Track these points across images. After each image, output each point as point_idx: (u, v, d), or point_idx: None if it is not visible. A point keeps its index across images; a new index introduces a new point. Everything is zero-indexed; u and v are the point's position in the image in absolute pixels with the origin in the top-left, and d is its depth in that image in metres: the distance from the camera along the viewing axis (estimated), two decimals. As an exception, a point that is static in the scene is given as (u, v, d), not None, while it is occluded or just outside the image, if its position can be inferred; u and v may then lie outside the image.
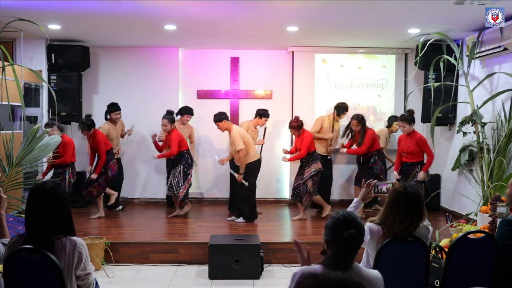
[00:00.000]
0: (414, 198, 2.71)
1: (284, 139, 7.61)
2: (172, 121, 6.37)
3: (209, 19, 5.66)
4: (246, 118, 7.11)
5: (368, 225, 2.78)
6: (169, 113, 6.51)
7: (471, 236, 3.06)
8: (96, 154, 6.32)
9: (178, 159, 6.39)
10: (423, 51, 6.10)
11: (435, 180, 7.14)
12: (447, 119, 6.78)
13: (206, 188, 7.72)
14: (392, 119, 7.07)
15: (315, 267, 2.01)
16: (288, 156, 6.52)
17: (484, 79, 5.79)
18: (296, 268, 4.78)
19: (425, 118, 6.92)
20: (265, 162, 6.90)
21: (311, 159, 6.25)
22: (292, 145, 6.83)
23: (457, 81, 6.19)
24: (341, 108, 6.84)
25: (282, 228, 6.16)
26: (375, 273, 2.16)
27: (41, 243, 2.39)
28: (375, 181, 3.11)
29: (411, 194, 2.71)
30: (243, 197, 6.20)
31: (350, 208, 3.04)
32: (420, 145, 5.83)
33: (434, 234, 4.64)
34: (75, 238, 2.48)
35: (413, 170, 5.84)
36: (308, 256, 2.26)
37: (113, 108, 6.83)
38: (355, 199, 3.11)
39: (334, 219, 2.15)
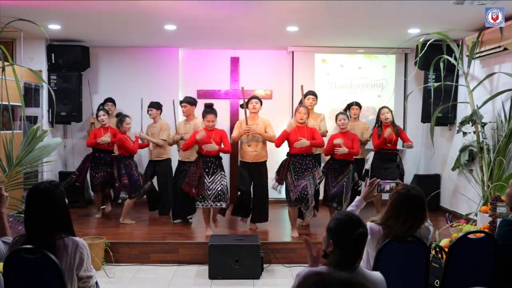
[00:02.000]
0: (417, 201, 2.71)
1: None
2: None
3: (209, 19, 5.66)
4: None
5: (369, 225, 2.78)
6: (210, 106, 5.80)
7: (471, 236, 3.06)
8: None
9: (219, 163, 5.62)
10: (423, 51, 6.10)
11: (435, 180, 7.15)
12: (447, 119, 6.78)
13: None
14: (350, 105, 6.77)
15: (320, 267, 2.01)
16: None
17: (484, 79, 5.79)
18: (299, 269, 4.76)
19: (425, 118, 6.92)
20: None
21: (315, 160, 5.77)
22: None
23: (457, 81, 6.19)
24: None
25: (282, 228, 6.15)
26: (378, 275, 2.16)
27: (42, 243, 2.39)
28: (378, 180, 3.10)
29: (414, 197, 2.71)
30: (265, 199, 5.90)
31: (351, 207, 3.04)
32: (354, 141, 5.77)
33: (434, 234, 4.64)
34: (77, 238, 2.49)
35: (347, 168, 5.80)
36: (318, 254, 2.22)
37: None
38: (357, 198, 3.10)
39: (339, 220, 2.15)
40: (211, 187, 5.44)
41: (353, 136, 5.84)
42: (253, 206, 5.87)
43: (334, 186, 5.74)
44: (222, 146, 5.53)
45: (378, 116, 6.22)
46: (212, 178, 5.48)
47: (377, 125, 6.23)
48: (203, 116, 5.60)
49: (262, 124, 5.79)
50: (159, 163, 6.45)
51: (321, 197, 6.14)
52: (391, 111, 6.17)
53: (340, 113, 6.02)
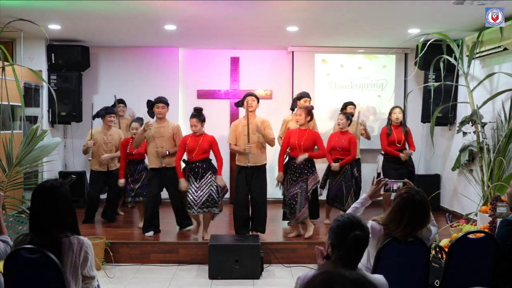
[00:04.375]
0: (420, 207, 2.69)
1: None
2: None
3: (209, 19, 5.66)
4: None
5: (370, 223, 2.77)
6: (197, 110, 5.43)
7: (471, 236, 3.07)
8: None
9: (208, 166, 5.35)
10: (423, 51, 6.11)
11: (435, 180, 7.15)
12: (447, 119, 6.79)
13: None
14: (346, 104, 6.64)
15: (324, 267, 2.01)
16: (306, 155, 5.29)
17: (484, 79, 5.79)
18: (299, 269, 4.71)
19: (425, 118, 6.92)
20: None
21: (314, 166, 5.44)
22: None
23: (457, 81, 6.19)
24: (294, 101, 6.18)
25: (282, 228, 6.15)
26: (381, 278, 2.16)
27: (47, 241, 2.41)
28: (386, 179, 3.07)
29: (417, 203, 2.69)
30: (264, 208, 5.56)
31: (356, 204, 3.02)
32: (351, 143, 5.85)
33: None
34: (82, 237, 2.52)
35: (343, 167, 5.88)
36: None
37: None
38: (363, 195, 3.07)
39: (339, 222, 2.16)
40: (198, 193, 5.20)
41: (350, 137, 5.89)
42: (252, 214, 5.58)
43: (333, 186, 5.88)
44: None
45: (389, 114, 6.26)
46: (200, 183, 5.23)
47: (386, 124, 6.29)
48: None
49: (260, 124, 5.40)
50: (112, 173, 6.21)
51: (324, 197, 6.17)
52: (403, 112, 6.22)
53: (342, 113, 6.08)
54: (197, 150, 5.27)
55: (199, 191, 5.21)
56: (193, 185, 5.24)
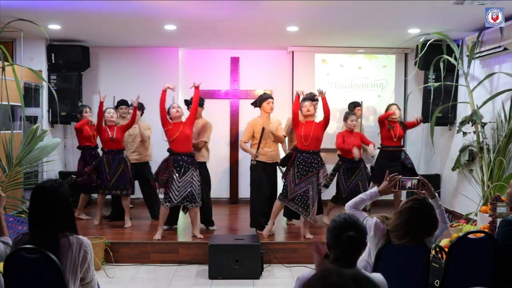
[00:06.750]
0: (427, 220, 2.66)
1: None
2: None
3: (209, 19, 5.66)
4: (246, 118, 7.05)
5: (375, 220, 2.74)
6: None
7: (471, 236, 3.07)
8: None
9: (192, 161, 5.36)
10: (423, 51, 6.11)
11: (435, 180, 7.14)
12: (447, 119, 6.79)
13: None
14: (352, 105, 6.73)
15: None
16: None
17: (484, 79, 5.79)
18: (299, 269, 4.70)
19: (425, 118, 6.91)
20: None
21: (322, 160, 5.39)
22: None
23: (457, 81, 6.20)
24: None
25: (282, 228, 6.15)
26: (379, 277, 2.16)
27: (46, 241, 2.40)
28: (400, 176, 2.95)
29: (424, 219, 2.64)
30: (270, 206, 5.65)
31: (364, 195, 2.96)
32: (362, 140, 5.94)
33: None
34: (81, 237, 2.51)
35: (359, 166, 5.88)
36: (322, 258, 2.20)
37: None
38: (374, 188, 2.99)
39: (335, 222, 2.15)
40: (180, 188, 5.19)
41: (361, 135, 6.01)
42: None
43: (348, 186, 5.76)
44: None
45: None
46: (182, 178, 5.19)
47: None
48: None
49: (275, 123, 5.79)
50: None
51: (328, 197, 6.18)
52: (399, 109, 6.22)
53: (351, 113, 6.11)
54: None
55: (180, 188, 5.20)
56: (175, 180, 5.20)
